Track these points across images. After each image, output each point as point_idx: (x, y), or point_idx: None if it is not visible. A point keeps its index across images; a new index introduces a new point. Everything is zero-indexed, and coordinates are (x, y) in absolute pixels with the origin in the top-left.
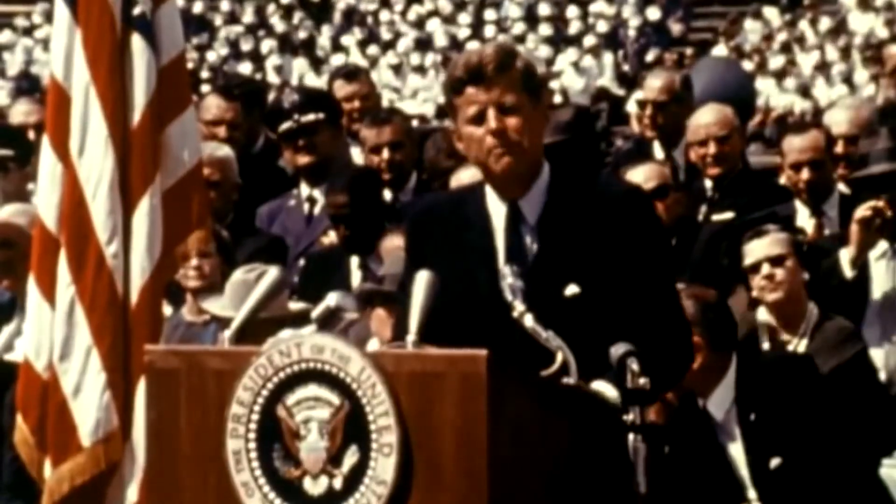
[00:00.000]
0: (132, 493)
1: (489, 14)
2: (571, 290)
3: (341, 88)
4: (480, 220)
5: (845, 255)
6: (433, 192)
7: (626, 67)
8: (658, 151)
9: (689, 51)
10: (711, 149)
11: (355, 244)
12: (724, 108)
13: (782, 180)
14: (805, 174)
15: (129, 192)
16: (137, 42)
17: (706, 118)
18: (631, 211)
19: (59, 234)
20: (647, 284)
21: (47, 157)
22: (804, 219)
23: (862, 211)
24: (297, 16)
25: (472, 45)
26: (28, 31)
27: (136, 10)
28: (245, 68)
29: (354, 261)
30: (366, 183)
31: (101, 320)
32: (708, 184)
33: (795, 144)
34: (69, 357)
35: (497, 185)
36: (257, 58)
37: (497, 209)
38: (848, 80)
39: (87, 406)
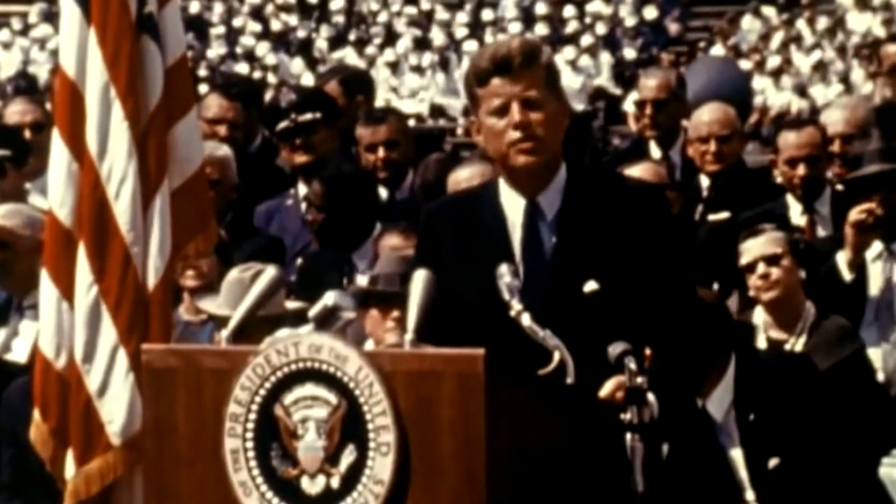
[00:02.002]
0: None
1: (486, 14)
2: (591, 286)
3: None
4: (495, 217)
5: (842, 259)
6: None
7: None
8: (655, 151)
9: (685, 50)
10: (712, 146)
11: (329, 234)
12: (727, 108)
13: (777, 176)
14: (801, 170)
15: (143, 194)
16: (147, 42)
17: (710, 116)
18: (650, 208)
19: (77, 233)
20: (669, 281)
21: (60, 155)
22: (796, 215)
23: (855, 214)
24: (295, 15)
25: (470, 45)
26: (24, 31)
27: (145, 11)
28: (242, 68)
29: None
30: (347, 178)
31: (129, 320)
32: (704, 182)
33: (791, 140)
34: (93, 357)
35: (515, 180)
36: (254, 57)
37: (513, 206)
38: (845, 79)
39: (115, 405)
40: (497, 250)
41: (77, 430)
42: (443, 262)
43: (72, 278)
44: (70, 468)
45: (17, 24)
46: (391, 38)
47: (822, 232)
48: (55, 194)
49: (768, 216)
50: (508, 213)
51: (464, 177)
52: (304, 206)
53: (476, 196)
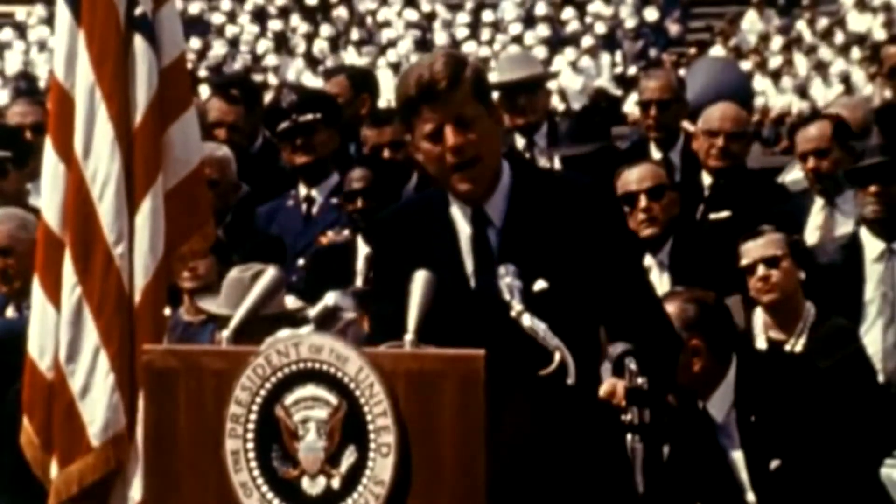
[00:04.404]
0: (136, 492)
1: (486, 15)
2: (539, 285)
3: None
4: (445, 224)
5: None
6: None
7: (620, 70)
8: (655, 152)
9: (686, 50)
10: (720, 141)
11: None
12: (741, 109)
13: (796, 174)
14: (810, 163)
15: (131, 193)
16: (139, 43)
17: (723, 112)
18: (593, 203)
19: (63, 235)
20: (619, 275)
21: (50, 159)
22: (817, 210)
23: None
24: (295, 16)
25: (470, 46)
26: (25, 31)
27: (138, 11)
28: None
29: (361, 254)
30: (384, 164)
31: (110, 321)
32: (706, 181)
33: (803, 135)
34: (76, 358)
35: (460, 196)
36: (255, 58)
37: (461, 214)
38: (845, 80)
39: (96, 406)
40: (447, 259)
41: (60, 432)
42: (397, 272)
43: (57, 282)
44: (54, 469)
45: (21, 14)
46: (392, 38)
47: (840, 230)
48: (44, 198)
49: (769, 216)
50: (457, 222)
51: None
52: (304, 206)
53: (425, 205)
